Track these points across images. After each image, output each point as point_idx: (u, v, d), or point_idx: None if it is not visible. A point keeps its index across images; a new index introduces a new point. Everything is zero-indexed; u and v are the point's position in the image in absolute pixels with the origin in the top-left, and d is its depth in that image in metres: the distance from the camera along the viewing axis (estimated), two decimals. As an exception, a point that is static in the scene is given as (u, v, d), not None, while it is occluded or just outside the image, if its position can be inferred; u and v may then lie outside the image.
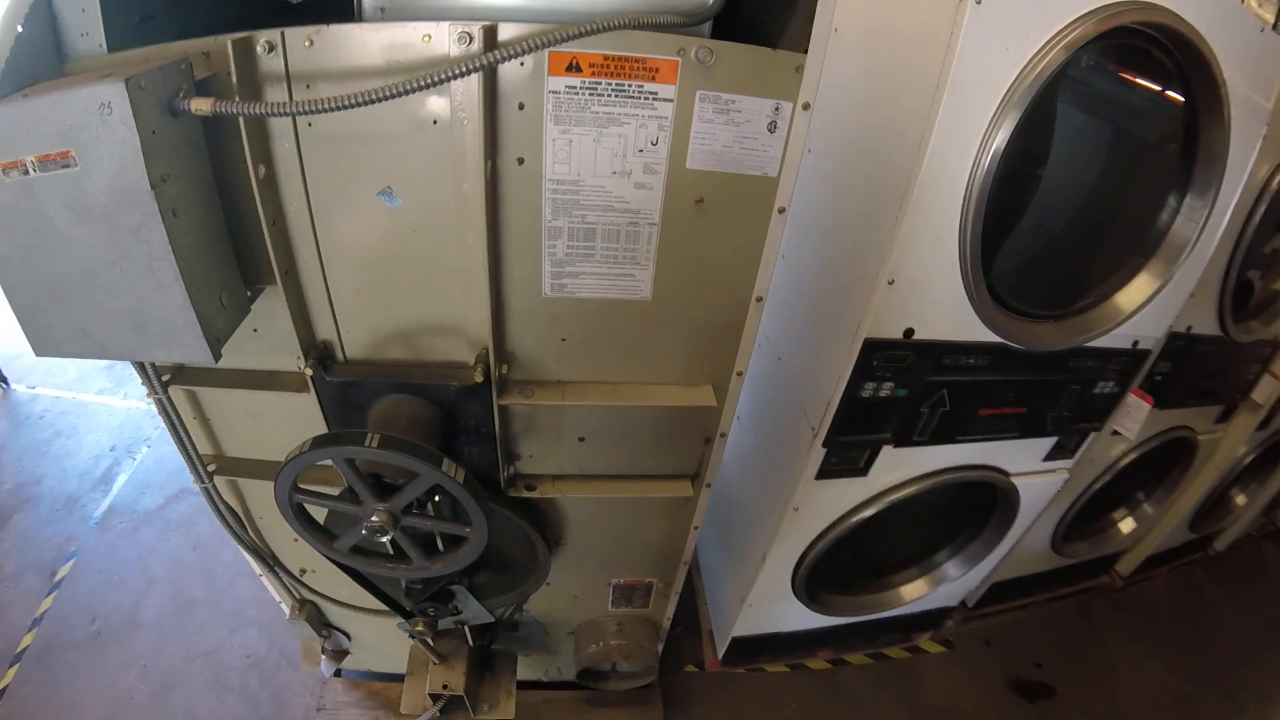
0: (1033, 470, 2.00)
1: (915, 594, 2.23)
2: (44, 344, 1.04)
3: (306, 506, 1.21)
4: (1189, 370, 2.03)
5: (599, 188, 1.09)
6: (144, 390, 1.30)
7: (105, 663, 2.60)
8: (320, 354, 1.24)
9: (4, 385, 3.90)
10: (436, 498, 1.22)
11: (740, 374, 1.31)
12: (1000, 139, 1.23)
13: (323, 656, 1.95)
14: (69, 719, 2.42)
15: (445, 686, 1.59)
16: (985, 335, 1.53)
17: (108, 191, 0.88)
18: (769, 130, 1.06)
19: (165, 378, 1.30)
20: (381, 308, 1.21)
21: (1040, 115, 1.31)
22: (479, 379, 1.17)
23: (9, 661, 2.59)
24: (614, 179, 1.09)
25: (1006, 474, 1.96)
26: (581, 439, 1.41)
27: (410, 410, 1.21)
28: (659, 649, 1.96)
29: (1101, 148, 1.53)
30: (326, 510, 1.30)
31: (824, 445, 1.65)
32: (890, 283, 1.38)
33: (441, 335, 1.23)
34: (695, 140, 1.05)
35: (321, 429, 1.32)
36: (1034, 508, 2.12)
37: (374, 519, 1.15)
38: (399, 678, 2.15)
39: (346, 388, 1.25)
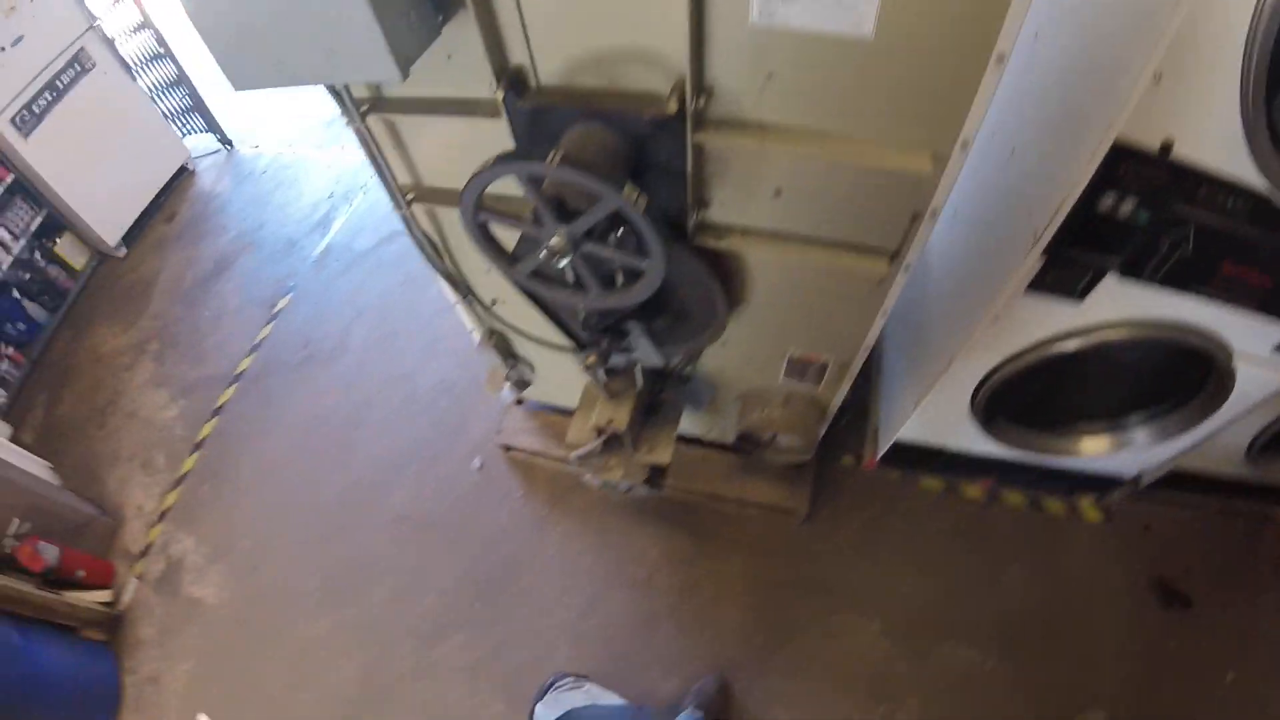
0: (1259, 358, 1.68)
1: (1095, 450, 2.06)
2: (242, 79, 1.14)
3: (494, 232, 1.30)
4: None
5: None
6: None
7: (313, 381, 3.15)
8: (512, 79, 1.25)
9: (228, 147, 4.38)
10: (620, 230, 1.24)
11: (966, 146, 1.14)
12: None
13: (506, 384, 2.23)
14: (278, 427, 3.03)
15: (610, 421, 1.75)
16: (1253, 178, 1.24)
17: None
18: None
19: (364, 108, 1.38)
20: (576, 32, 1.17)
21: None
22: (673, 110, 1.13)
23: (229, 381, 3.21)
24: None
25: (1230, 352, 1.66)
26: (778, 192, 1.34)
27: (600, 140, 1.21)
28: (821, 431, 2.00)
29: None
30: (517, 240, 1.39)
31: (1044, 253, 1.46)
32: (1156, 79, 1.10)
33: (637, 63, 1.17)
34: None
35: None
36: (1246, 400, 1.81)
37: (553, 241, 1.20)
38: (571, 412, 2.46)
39: (537, 114, 1.27)
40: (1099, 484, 2.38)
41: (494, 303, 1.94)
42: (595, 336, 1.56)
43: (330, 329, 3.28)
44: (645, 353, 1.54)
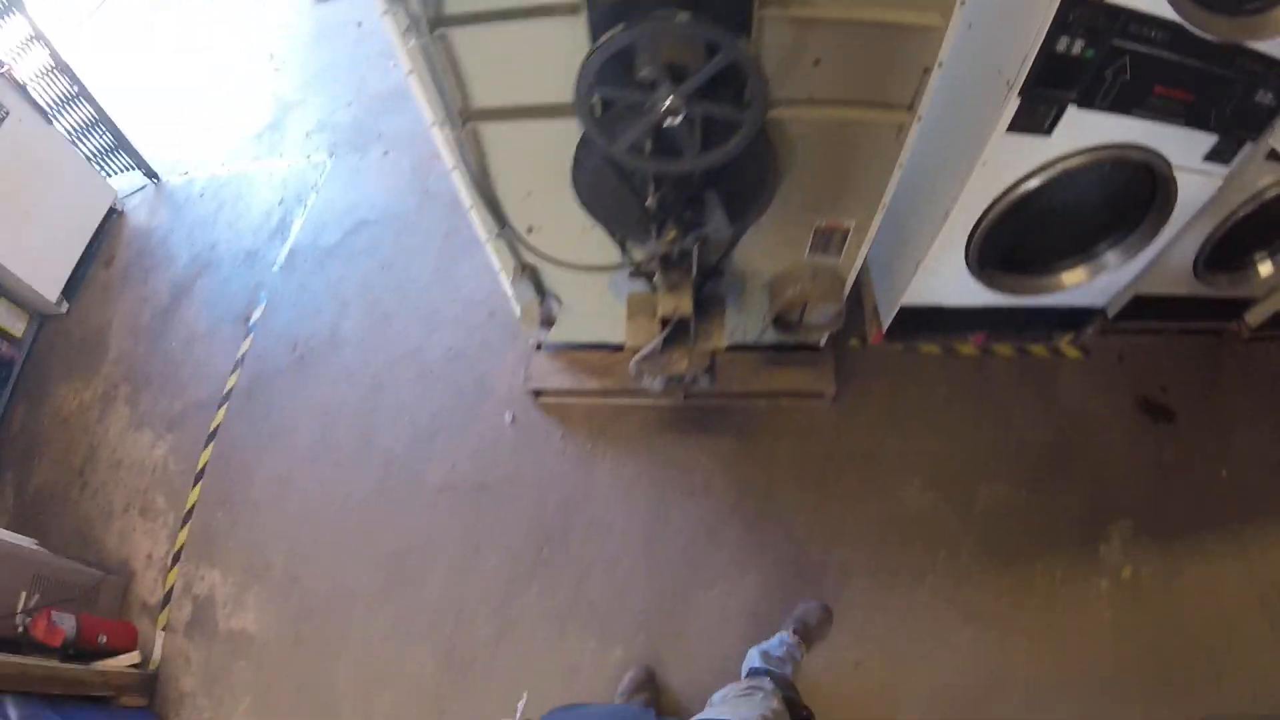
0: (1192, 167, 2.02)
1: (1074, 281, 2.36)
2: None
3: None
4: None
5: None
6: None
7: (314, 380, 3.02)
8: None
9: (155, 180, 4.09)
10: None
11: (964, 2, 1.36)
12: None
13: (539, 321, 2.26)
14: (285, 434, 2.88)
15: (676, 309, 1.84)
16: (1168, 12, 1.57)
17: None
18: None
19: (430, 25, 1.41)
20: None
21: None
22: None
23: (218, 402, 3.02)
24: None
25: (1169, 163, 1.99)
26: (817, 61, 1.48)
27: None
28: (846, 294, 2.17)
29: None
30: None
31: (1020, 94, 1.73)
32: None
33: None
34: None
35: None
36: (1189, 208, 2.16)
37: (669, 101, 1.30)
38: (599, 347, 2.52)
39: (616, 6, 1.33)
40: (1073, 322, 2.71)
41: (530, 230, 2.00)
42: (670, 217, 1.66)
43: (317, 326, 3.17)
44: (718, 225, 1.65)
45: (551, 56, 1.47)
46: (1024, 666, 2.21)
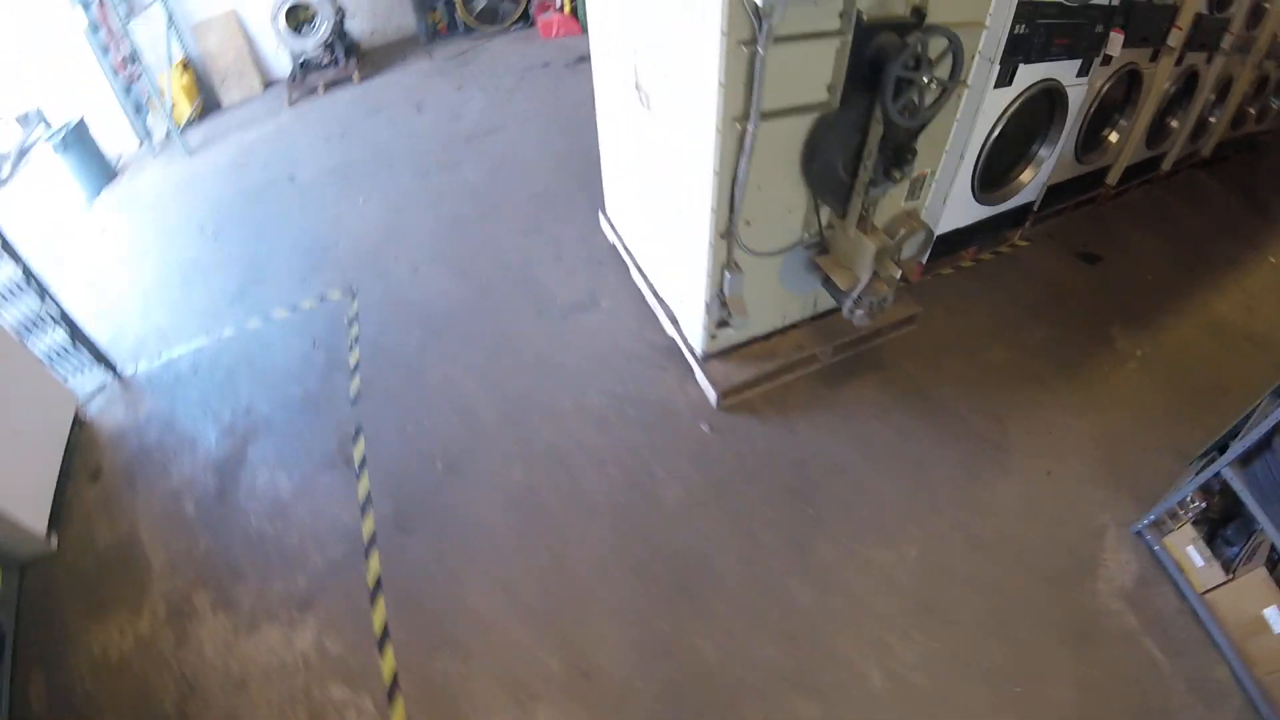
0: (1072, 83, 3.29)
1: (1027, 179, 3.54)
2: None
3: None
4: (1135, 23, 3.31)
5: None
6: None
7: (478, 478, 2.85)
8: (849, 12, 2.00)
9: (114, 374, 3.68)
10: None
11: None
12: None
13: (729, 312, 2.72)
14: (479, 540, 2.67)
15: (883, 242, 2.50)
16: None
17: None
18: None
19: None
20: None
21: None
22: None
23: (363, 553, 2.69)
24: None
25: (1062, 85, 3.23)
26: None
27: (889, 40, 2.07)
28: None
29: None
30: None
31: (999, 63, 2.85)
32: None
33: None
34: None
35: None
36: (1074, 109, 3.43)
37: (927, 77, 2.01)
38: (770, 336, 3.10)
39: (862, 30, 2.05)
40: (1019, 220, 3.89)
41: (747, 224, 2.48)
42: (878, 175, 2.33)
43: (446, 431, 3.05)
44: (907, 172, 2.36)
45: (817, 66, 2.09)
46: (1098, 410, 3.17)
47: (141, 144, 5.52)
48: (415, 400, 3.25)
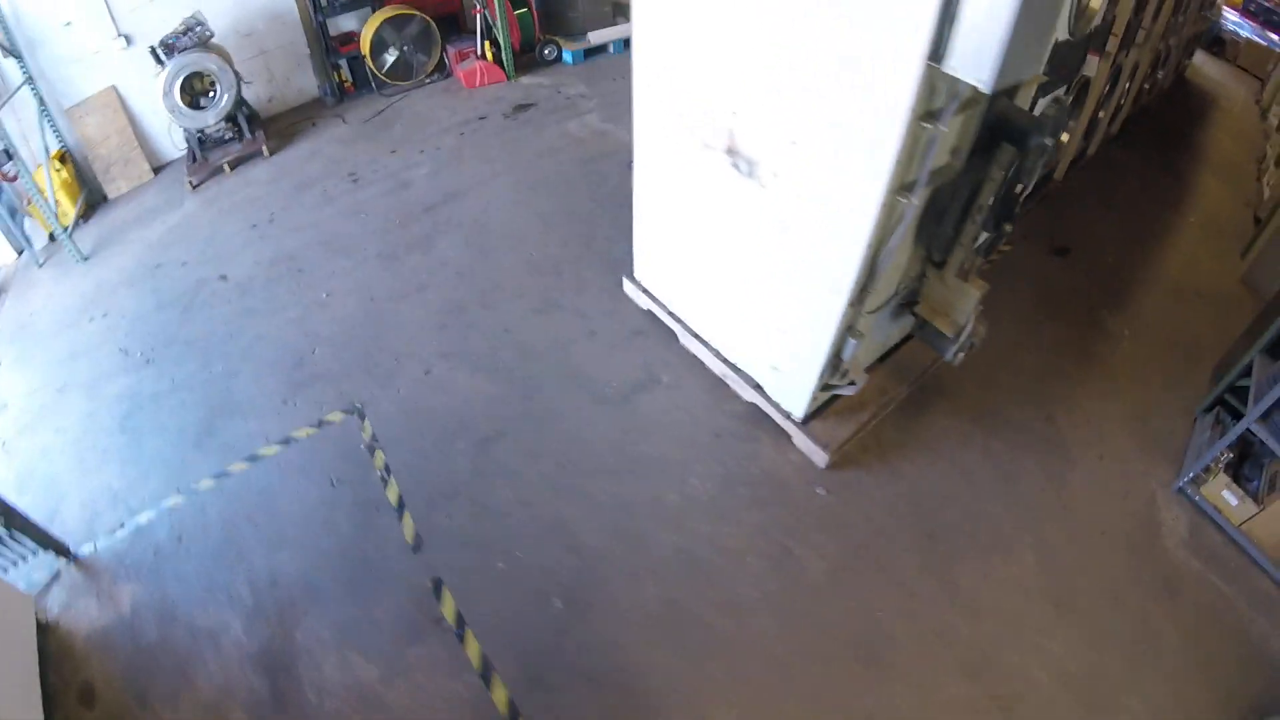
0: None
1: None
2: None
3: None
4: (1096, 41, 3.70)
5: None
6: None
7: (607, 608, 2.62)
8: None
9: (68, 557, 2.95)
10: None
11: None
12: None
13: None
14: (624, 667, 2.47)
15: (985, 289, 2.60)
16: None
17: None
18: None
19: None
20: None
21: None
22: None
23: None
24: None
25: None
26: None
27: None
28: None
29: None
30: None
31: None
32: None
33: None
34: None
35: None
36: None
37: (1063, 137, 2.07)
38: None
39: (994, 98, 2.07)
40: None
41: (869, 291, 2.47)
42: (989, 223, 2.40)
43: (552, 563, 2.74)
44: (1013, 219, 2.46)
45: (952, 134, 2.11)
46: (1117, 393, 3.56)
47: (20, 254, 4.51)
48: (494, 533, 2.89)
